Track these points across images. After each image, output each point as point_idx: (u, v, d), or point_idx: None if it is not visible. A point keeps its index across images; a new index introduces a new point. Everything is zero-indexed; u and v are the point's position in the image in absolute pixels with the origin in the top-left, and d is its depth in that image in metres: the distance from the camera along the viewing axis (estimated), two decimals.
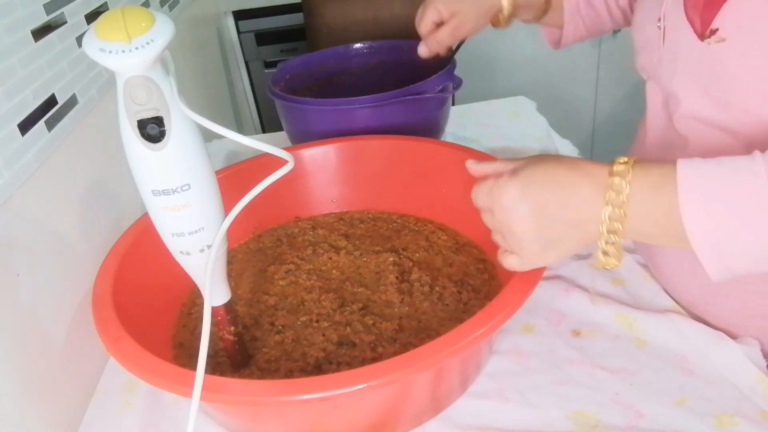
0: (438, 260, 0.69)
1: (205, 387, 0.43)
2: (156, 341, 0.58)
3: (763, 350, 0.56)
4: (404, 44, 0.97)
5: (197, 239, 0.47)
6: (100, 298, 0.54)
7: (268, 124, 1.92)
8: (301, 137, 0.94)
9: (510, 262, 0.49)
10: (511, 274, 0.50)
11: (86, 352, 0.63)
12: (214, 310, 0.53)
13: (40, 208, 0.58)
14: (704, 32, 0.48)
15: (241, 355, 0.57)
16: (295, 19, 1.77)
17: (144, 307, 0.60)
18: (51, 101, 0.62)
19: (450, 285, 0.64)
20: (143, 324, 0.56)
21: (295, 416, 0.50)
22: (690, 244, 0.41)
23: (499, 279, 0.65)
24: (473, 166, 0.53)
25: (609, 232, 0.43)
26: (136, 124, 0.41)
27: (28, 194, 0.56)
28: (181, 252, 0.48)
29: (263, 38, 1.81)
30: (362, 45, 1.06)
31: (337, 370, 0.55)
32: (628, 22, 0.75)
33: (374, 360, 0.55)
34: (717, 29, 0.47)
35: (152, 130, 0.41)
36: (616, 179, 0.42)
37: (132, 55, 0.38)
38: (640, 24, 0.60)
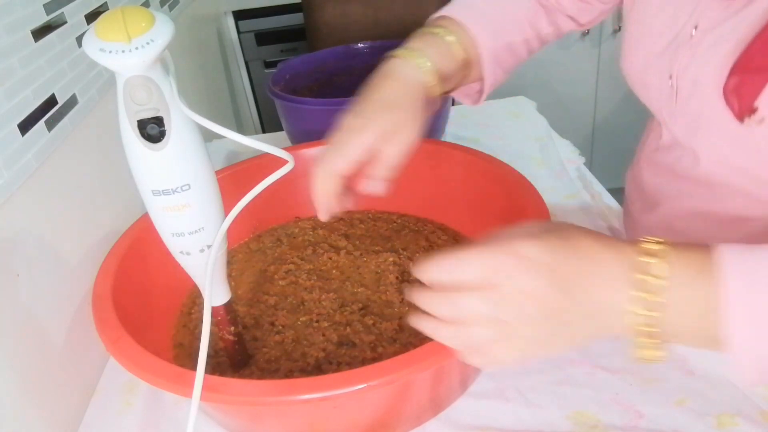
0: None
1: (205, 387, 0.43)
2: (156, 341, 0.58)
3: None
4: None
5: (197, 239, 0.47)
6: (100, 298, 0.54)
7: (268, 124, 1.92)
8: (301, 137, 0.94)
9: (498, 356, 0.38)
10: None
11: (86, 352, 0.63)
12: (214, 310, 0.53)
13: (40, 208, 0.58)
14: (744, 114, 0.44)
15: (241, 355, 0.57)
16: (295, 19, 1.77)
17: (144, 307, 0.60)
18: (51, 101, 0.62)
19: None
20: (143, 324, 0.56)
21: (295, 416, 0.50)
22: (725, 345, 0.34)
23: None
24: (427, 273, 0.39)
25: (639, 325, 0.36)
26: (136, 124, 0.41)
27: (28, 194, 0.56)
28: (181, 252, 0.48)
29: (263, 38, 1.81)
30: (362, 45, 1.06)
31: (337, 370, 0.55)
32: (545, 45, 0.68)
33: (374, 360, 0.55)
34: (757, 108, 0.42)
35: (152, 130, 0.41)
36: (651, 260, 0.35)
37: (132, 55, 0.38)
38: (636, 67, 0.57)
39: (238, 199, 0.48)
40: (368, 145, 0.50)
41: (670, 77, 0.51)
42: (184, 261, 0.49)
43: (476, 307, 0.37)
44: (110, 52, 0.38)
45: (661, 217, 0.61)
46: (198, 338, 0.61)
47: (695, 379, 0.55)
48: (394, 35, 1.27)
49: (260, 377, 0.56)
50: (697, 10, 0.49)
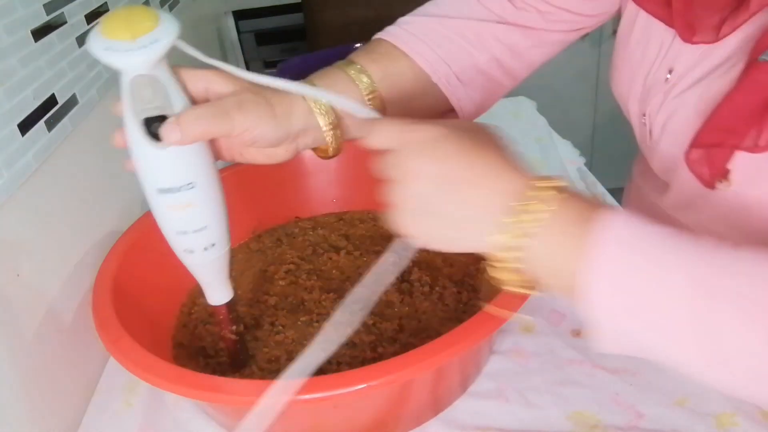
0: (438, 260, 0.69)
1: (205, 387, 0.43)
2: (156, 341, 0.58)
3: None
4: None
5: (201, 237, 0.47)
6: (100, 298, 0.54)
7: None
8: None
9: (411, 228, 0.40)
10: None
11: (86, 352, 0.63)
12: (216, 309, 0.53)
13: (40, 208, 0.58)
14: (715, 180, 0.43)
15: (242, 355, 0.57)
16: (295, 19, 1.77)
17: (144, 307, 0.60)
18: (51, 101, 0.62)
19: (450, 285, 0.64)
20: (143, 324, 0.56)
21: (295, 416, 0.50)
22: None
23: None
24: (372, 136, 0.42)
25: (500, 249, 0.37)
26: (142, 122, 0.41)
27: (28, 194, 0.56)
28: (185, 250, 0.47)
29: (263, 38, 1.81)
30: (362, 45, 1.06)
31: (338, 370, 0.55)
32: (532, 67, 0.62)
33: (374, 360, 0.55)
34: (729, 170, 0.42)
35: (157, 128, 0.41)
36: (534, 204, 0.36)
37: (137, 53, 0.38)
38: (620, 92, 0.56)
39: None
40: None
41: (644, 116, 0.51)
42: (187, 260, 0.48)
43: (381, 172, 0.41)
44: (115, 50, 0.38)
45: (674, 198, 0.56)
46: (198, 338, 0.61)
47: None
48: None
49: (260, 377, 0.56)
50: (670, 52, 0.48)
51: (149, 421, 0.57)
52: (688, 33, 0.45)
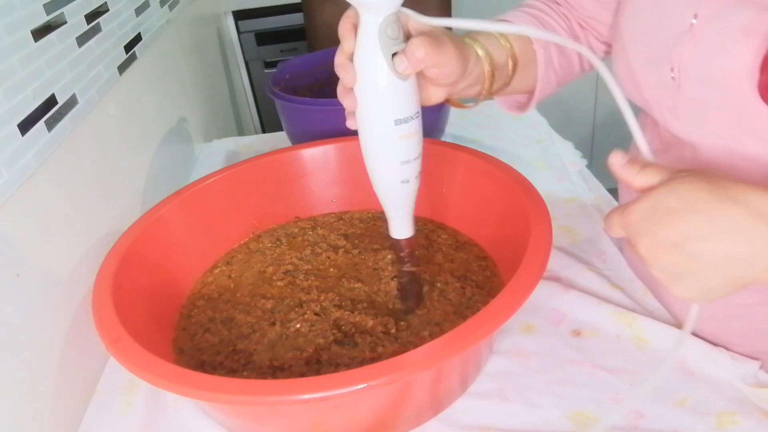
0: (438, 257, 0.69)
1: (205, 387, 0.43)
2: (156, 341, 0.58)
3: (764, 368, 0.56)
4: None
5: (415, 166, 0.51)
6: (100, 298, 0.54)
7: (268, 124, 1.92)
8: (301, 137, 0.94)
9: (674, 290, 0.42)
10: (514, 269, 0.50)
11: (86, 352, 0.63)
12: (404, 242, 0.57)
13: (40, 208, 0.58)
14: None
15: (416, 295, 0.61)
16: (295, 19, 1.77)
17: (144, 307, 0.60)
18: (51, 101, 0.62)
19: (452, 281, 0.64)
20: (143, 324, 0.56)
21: (295, 416, 0.50)
22: None
23: (500, 276, 0.65)
24: (617, 168, 0.45)
25: None
26: (390, 58, 0.45)
27: (28, 194, 0.56)
28: (403, 181, 0.51)
29: (263, 38, 1.81)
30: None
31: (337, 370, 0.55)
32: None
33: (374, 360, 0.55)
34: None
35: (398, 62, 0.45)
36: None
37: None
38: (630, 68, 0.56)
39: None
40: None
41: (672, 70, 0.50)
42: (400, 191, 0.52)
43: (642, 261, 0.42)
44: None
45: None
46: (198, 347, 0.61)
47: (695, 379, 0.55)
48: None
49: (260, 377, 0.56)
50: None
51: (149, 421, 0.57)
52: None
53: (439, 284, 0.64)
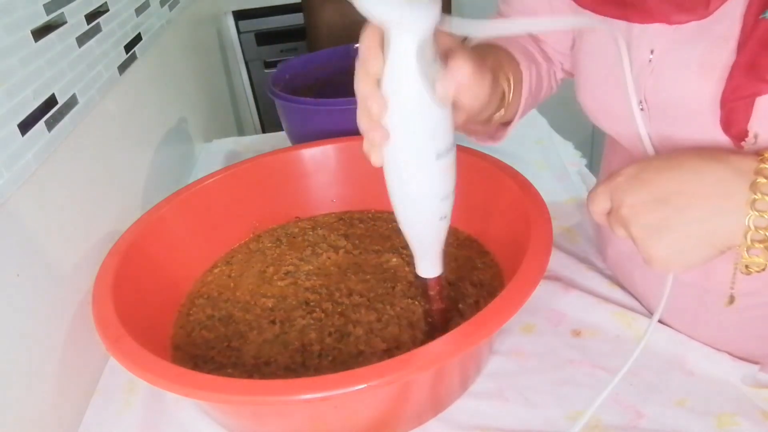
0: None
1: (205, 387, 0.43)
2: (155, 341, 0.58)
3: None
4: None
5: (451, 200, 0.47)
6: (100, 298, 0.54)
7: (268, 124, 1.92)
8: (301, 137, 0.94)
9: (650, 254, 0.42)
10: (514, 269, 0.50)
11: (86, 352, 0.63)
12: (434, 281, 0.53)
13: (40, 208, 0.58)
14: (741, 140, 0.43)
15: (446, 323, 0.57)
16: (295, 19, 1.77)
17: (144, 307, 0.60)
18: (51, 101, 0.62)
19: (453, 279, 0.64)
20: (143, 324, 0.56)
21: (295, 416, 0.50)
22: None
23: (501, 276, 0.64)
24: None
25: (754, 240, 0.38)
26: (431, 85, 0.39)
27: (28, 194, 0.56)
28: (441, 217, 0.46)
29: (263, 38, 1.81)
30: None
31: (320, 362, 0.55)
32: (554, 88, 0.68)
33: (362, 353, 0.55)
34: (749, 130, 0.43)
35: (440, 89, 0.40)
36: (762, 180, 0.37)
37: (433, 9, 0.36)
38: (598, 99, 0.55)
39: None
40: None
41: (640, 102, 0.50)
42: (437, 228, 0.47)
43: (618, 231, 0.44)
44: (415, 5, 0.36)
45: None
46: (194, 344, 0.61)
47: (695, 379, 0.55)
48: None
49: (261, 377, 0.56)
50: (646, 35, 0.49)
51: (149, 421, 0.57)
52: (679, 13, 0.45)
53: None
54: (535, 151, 0.98)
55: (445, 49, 0.41)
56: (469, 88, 0.42)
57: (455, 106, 0.43)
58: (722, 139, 0.44)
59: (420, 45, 0.37)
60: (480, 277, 0.65)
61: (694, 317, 0.57)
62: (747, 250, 0.39)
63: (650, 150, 0.51)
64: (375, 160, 0.43)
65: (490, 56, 0.54)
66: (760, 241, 0.38)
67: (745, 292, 0.51)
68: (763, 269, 0.40)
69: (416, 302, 0.62)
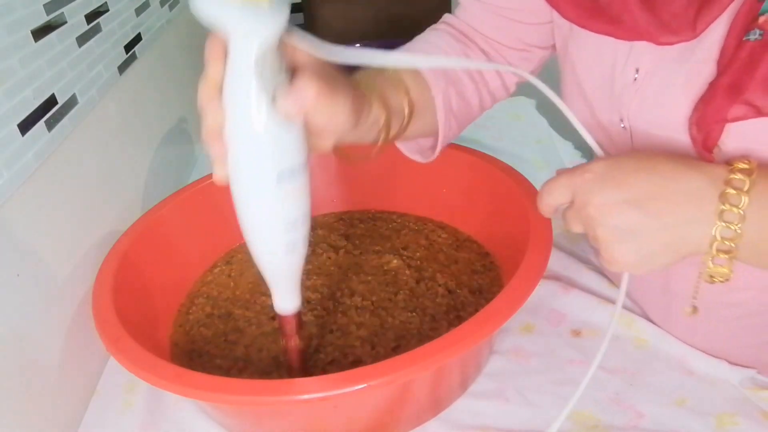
0: (441, 257, 0.69)
1: (205, 387, 0.43)
2: (155, 340, 0.58)
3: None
4: (404, 44, 0.97)
5: (304, 228, 0.42)
6: (100, 298, 0.54)
7: None
8: None
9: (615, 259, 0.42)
10: (513, 270, 0.50)
11: (86, 352, 0.63)
12: (286, 319, 0.49)
13: (40, 208, 0.58)
14: (711, 148, 0.43)
15: (304, 363, 0.53)
16: (295, 19, 1.77)
17: (144, 307, 0.60)
18: (51, 101, 0.62)
19: (452, 280, 0.64)
20: (143, 324, 0.56)
21: (295, 416, 0.50)
22: None
23: (501, 276, 0.65)
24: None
25: (719, 251, 0.38)
26: (270, 98, 0.36)
27: (28, 194, 0.56)
28: (289, 246, 0.42)
29: None
30: (362, 45, 1.06)
31: (337, 370, 0.55)
32: (495, 101, 0.64)
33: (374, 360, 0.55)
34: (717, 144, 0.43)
35: (281, 103, 0.36)
36: (730, 190, 0.37)
37: (277, 18, 0.34)
38: (585, 111, 0.55)
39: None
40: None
41: (621, 120, 0.50)
42: (285, 260, 0.43)
43: (575, 227, 0.43)
44: (252, 13, 0.33)
45: None
46: (193, 341, 0.61)
47: (695, 379, 0.55)
48: (394, 35, 1.27)
49: (259, 377, 0.56)
50: (633, 54, 0.48)
51: (149, 421, 0.57)
52: (666, 35, 0.45)
53: (439, 283, 0.64)
54: (534, 150, 0.98)
55: (299, 66, 0.38)
56: (318, 110, 0.38)
57: (311, 130, 0.41)
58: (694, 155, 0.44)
59: (259, 54, 0.34)
60: (480, 277, 0.65)
61: (692, 326, 0.57)
62: (712, 260, 0.39)
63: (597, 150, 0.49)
64: (216, 176, 0.40)
65: (378, 78, 0.50)
66: (725, 252, 0.38)
67: (734, 302, 0.51)
68: (727, 280, 0.39)
69: (415, 314, 0.61)
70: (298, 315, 0.49)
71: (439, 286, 0.64)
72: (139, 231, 0.63)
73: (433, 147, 0.59)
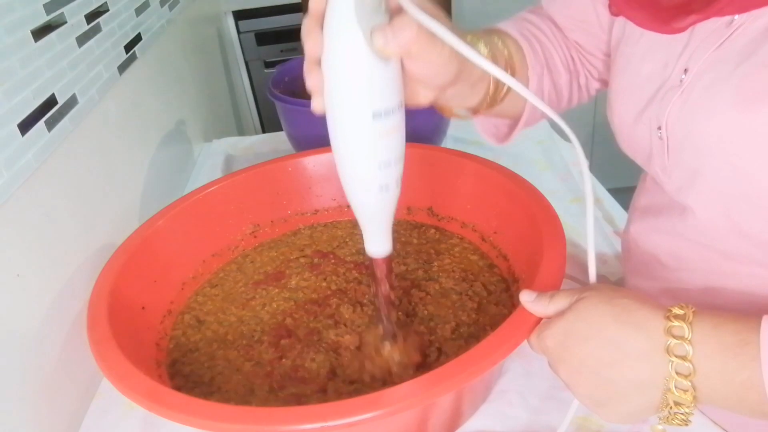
0: (446, 261, 0.68)
1: (198, 414, 0.42)
2: (144, 355, 0.57)
3: None
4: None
5: (397, 169, 0.42)
6: (95, 318, 0.52)
7: (268, 124, 1.92)
8: (301, 139, 0.94)
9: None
10: (518, 276, 0.49)
11: (87, 354, 0.62)
12: (381, 261, 0.48)
13: (40, 207, 0.58)
14: None
15: (392, 309, 0.52)
16: (295, 19, 1.76)
17: (136, 323, 0.58)
18: (51, 101, 0.62)
19: (462, 288, 0.63)
20: (135, 340, 0.55)
21: None
22: None
23: (506, 279, 0.64)
24: (529, 305, 0.45)
25: (676, 403, 0.37)
26: (368, 31, 0.35)
27: (28, 194, 0.56)
28: (382, 187, 0.42)
29: (263, 38, 1.81)
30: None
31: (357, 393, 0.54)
32: (585, 97, 0.64)
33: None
34: None
35: (379, 40, 0.36)
36: (673, 341, 0.36)
37: None
38: (624, 120, 0.51)
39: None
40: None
41: (659, 128, 0.46)
42: (378, 199, 0.43)
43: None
44: None
45: (660, 284, 0.55)
46: (179, 344, 0.60)
47: None
48: None
49: (268, 383, 0.55)
50: (686, 52, 0.44)
51: (150, 425, 0.57)
52: (659, 26, 0.43)
53: (450, 292, 0.63)
54: (536, 151, 0.98)
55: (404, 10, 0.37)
56: (416, 53, 0.38)
57: (410, 76, 0.40)
58: (753, 181, 0.41)
59: None
60: (491, 277, 0.64)
61: None
62: (671, 409, 0.38)
63: (665, 183, 0.48)
64: (314, 106, 0.40)
65: (485, 37, 0.50)
66: (684, 391, 0.37)
67: None
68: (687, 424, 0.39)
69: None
70: (389, 260, 0.48)
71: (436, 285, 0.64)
72: (140, 235, 0.62)
73: (512, 129, 0.58)
